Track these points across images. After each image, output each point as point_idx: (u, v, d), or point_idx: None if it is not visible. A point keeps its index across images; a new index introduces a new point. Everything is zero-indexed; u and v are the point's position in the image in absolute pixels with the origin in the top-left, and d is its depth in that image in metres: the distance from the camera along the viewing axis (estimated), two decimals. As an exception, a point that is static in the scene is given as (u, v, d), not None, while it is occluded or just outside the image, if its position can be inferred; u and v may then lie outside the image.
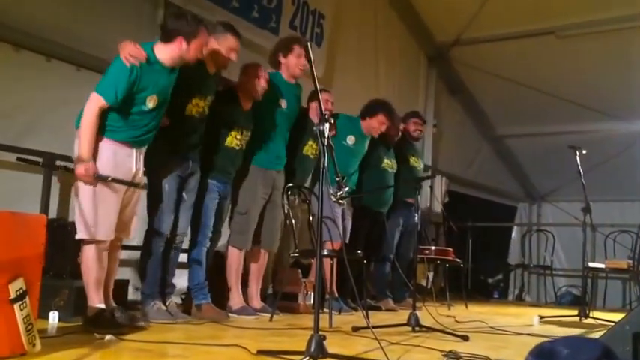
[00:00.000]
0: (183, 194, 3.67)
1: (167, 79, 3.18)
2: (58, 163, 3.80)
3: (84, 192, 2.98)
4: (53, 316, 3.14)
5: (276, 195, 4.31)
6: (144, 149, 3.23)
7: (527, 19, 7.30)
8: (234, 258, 4.17)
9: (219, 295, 4.14)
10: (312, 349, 2.24)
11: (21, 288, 2.18)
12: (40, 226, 2.36)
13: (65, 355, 2.24)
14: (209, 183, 3.90)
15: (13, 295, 2.15)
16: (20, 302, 2.17)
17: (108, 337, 2.64)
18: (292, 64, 4.30)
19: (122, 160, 3.07)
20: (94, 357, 2.28)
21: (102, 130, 3.00)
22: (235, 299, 4.14)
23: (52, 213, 3.76)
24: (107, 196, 3.01)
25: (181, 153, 3.63)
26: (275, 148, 4.30)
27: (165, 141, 3.48)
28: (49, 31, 3.84)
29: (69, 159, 3.85)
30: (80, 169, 2.91)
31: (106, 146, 3.02)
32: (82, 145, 2.92)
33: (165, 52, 3.13)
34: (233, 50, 3.70)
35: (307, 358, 2.23)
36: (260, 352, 2.47)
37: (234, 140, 3.98)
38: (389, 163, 5.57)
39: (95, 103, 2.94)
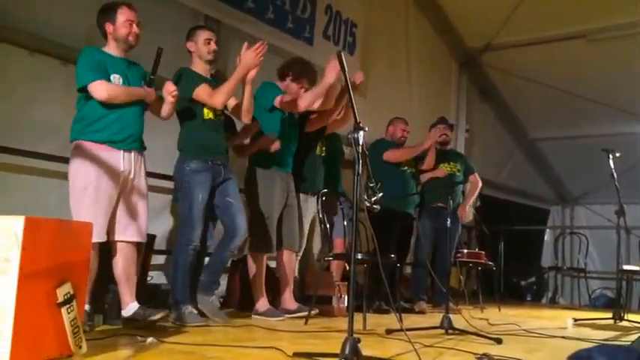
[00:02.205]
0: (228, 199, 3.78)
1: (128, 70, 3.27)
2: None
3: (80, 194, 3.06)
4: (98, 319, 3.26)
5: (292, 197, 4.36)
6: (135, 154, 3.25)
7: (558, 23, 7.26)
8: (258, 263, 4.21)
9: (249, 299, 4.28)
10: (347, 351, 2.29)
11: (68, 292, 2.28)
12: (86, 233, 2.46)
13: (109, 357, 2.33)
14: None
15: (60, 299, 2.25)
16: (67, 306, 2.27)
17: (149, 339, 2.73)
18: (293, 90, 4.36)
19: (106, 160, 3.12)
20: (137, 358, 2.37)
21: (81, 134, 3.12)
22: (260, 301, 4.21)
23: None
24: (100, 194, 3.08)
25: (209, 159, 3.73)
26: (282, 150, 4.28)
27: (192, 148, 3.69)
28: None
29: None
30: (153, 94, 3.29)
31: (87, 149, 3.10)
32: (131, 93, 3.19)
33: (110, 45, 3.27)
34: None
35: (342, 360, 2.28)
36: (296, 355, 2.53)
37: None
38: (408, 164, 5.60)
39: (98, 87, 3.07)
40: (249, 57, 3.55)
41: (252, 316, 4.14)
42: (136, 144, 3.25)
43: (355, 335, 2.35)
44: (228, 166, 3.84)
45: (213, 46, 3.78)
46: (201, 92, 3.66)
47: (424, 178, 5.76)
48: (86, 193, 3.06)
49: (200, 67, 3.80)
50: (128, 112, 3.20)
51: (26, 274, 2.11)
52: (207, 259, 4.05)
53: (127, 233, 3.22)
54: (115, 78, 3.18)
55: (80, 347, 2.31)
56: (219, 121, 3.81)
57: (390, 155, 5.44)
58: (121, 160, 3.17)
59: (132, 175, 3.23)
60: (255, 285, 4.23)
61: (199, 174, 3.67)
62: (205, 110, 3.73)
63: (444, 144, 6.00)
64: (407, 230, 5.58)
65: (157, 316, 3.15)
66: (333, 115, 4.57)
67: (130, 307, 3.20)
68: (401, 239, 5.49)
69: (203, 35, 3.79)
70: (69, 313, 2.27)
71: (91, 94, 3.09)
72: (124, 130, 3.17)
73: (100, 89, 3.08)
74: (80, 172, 3.09)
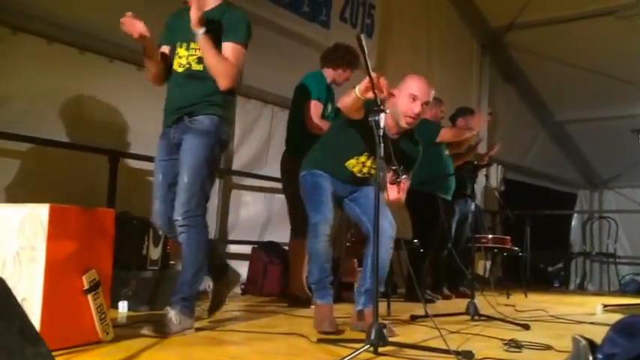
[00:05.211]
0: (179, 173, 2.79)
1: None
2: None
3: None
4: (122, 306, 3.30)
5: None
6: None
7: (584, -1, 7.08)
8: (301, 251, 4.04)
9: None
10: (373, 337, 2.26)
11: (94, 279, 2.31)
12: (109, 220, 2.48)
13: (136, 343, 2.35)
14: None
15: (86, 286, 2.27)
16: (93, 292, 2.30)
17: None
18: (343, 78, 4.27)
19: None
20: (162, 344, 2.39)
21: None
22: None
23: (117, 207, 3.93)
24: None
25: (166, 125, 2.91)
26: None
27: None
28: (111, 33, 4.00)
29: (131, 155, 4.15)
30: None
31: None
32: None
33: None
34: None
35: (368, 346, 2.25)
36: (320, 341, 2.52)
37: None
38: (447, 149, 5.52)
39: None
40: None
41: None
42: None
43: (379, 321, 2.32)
44: (185, 124, 2.80)
45: None
46: None
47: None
48: None
49: None
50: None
51: (53, 262, 2.14)
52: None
53: None
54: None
55: (107, 333, 2.34)
56: (183, 73, 2.84)
57: (445, 135, 5.23)
58: None
59: None
60: (296, 274, 4.16)
61: (158, 146, 2.94)
62: (175, 61, 2.91)
63: None
64: (447, 217, 5.43)
65: None
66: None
67: None
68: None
69: None
70: (95, 299, 2.30)
71: None
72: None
73: None
74: None
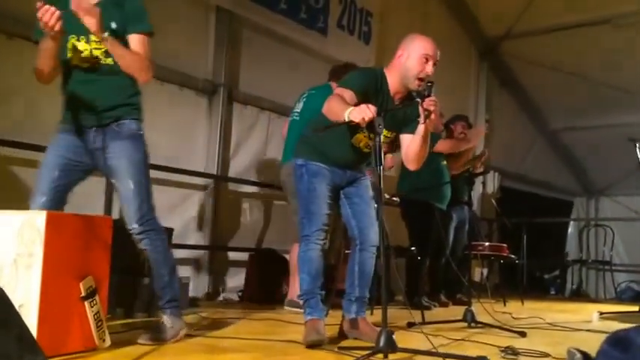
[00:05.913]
0: (113, 181, 2.67)
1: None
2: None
3: None
4: (119, 313, 3.29)
5: None
6: None
7: (581, 8, 7.11)
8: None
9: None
10: (382, 343, 2.20)
11: (91, 286, 2.31)
12: (106, 227, 2.48)
13: (132, 350, 2.34)
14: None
15: (83, 293, 2.27)
16: (90, 300, 2.30)
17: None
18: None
19: None
20: (159, 351, 2.38)
21: None
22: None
23: (114, 214, 3.92)
24: None
25: (73, 123, 2.64)
26: None
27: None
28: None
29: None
30: None
31: None
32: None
33: None
34: None
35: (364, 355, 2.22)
36: (340, 348, 2.55)
37: None
38: (445, 160, 5.52)
39: None
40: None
41: (285, 307, 4.11)
42: None
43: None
44: (112, 129, 2.61)
45: None
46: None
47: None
48: None
49: None
50: None
51: (49, 269, 2.14)
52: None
53: None
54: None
55: (104, 340, 2.34)
56: (89, 68, 2.60)
57: (442, 146, 5.25)
58: None
59: None
60: (296, 280, 4.16)
61: (60, 139, 2.66)
62: (74, 55, 2.61)
63: None
64: (444, 225, 5.42)
65: None
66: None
67: None
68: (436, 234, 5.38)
69: None
70: (92, 306, 2.30)
71: None
72: None
73: None
74: None
